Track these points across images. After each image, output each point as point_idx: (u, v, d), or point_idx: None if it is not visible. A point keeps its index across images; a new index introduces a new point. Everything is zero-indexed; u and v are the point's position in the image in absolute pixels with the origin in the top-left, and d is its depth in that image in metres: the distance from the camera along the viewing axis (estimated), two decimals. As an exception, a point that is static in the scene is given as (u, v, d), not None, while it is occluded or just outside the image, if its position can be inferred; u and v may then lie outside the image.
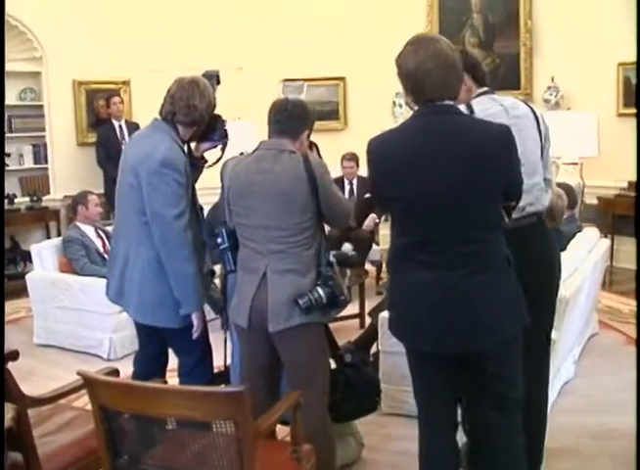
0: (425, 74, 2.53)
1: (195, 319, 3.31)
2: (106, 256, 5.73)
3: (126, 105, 8.42)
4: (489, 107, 2.96)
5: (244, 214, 3.06)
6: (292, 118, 3.08)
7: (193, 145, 3.49)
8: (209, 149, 3.49)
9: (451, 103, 2.60)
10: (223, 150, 3.50)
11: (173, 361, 3.58)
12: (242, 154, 3.37)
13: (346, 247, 6.59)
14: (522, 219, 2.96)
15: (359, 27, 8.60)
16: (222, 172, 3.17)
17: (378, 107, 8.53)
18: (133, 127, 8.03)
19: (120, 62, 8.23)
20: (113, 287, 3.49)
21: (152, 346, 3.57)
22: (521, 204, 2.86)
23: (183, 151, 3.32)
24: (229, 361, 3.70)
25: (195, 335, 3.33)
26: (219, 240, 3.21)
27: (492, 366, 2.68)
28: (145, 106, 8.07)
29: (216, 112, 3.44)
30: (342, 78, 9.02)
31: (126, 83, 8.52)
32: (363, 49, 8.49)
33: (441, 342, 2.63)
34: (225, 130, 3.47)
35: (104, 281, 5.18)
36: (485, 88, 3.08)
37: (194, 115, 3.29)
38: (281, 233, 3.00)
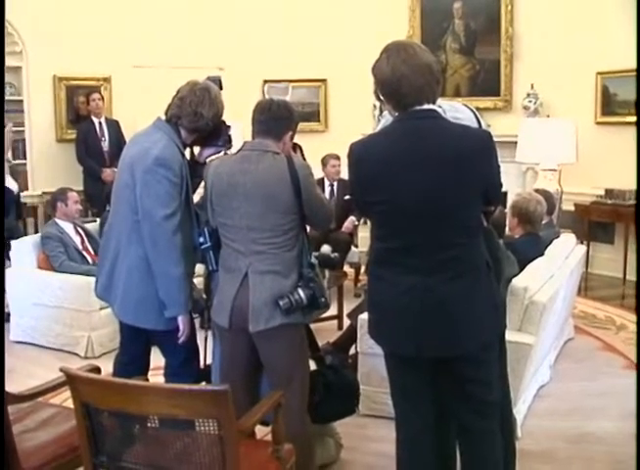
0: (400, 80, 2.53)
1: (181, 323, 3.24)
2: (84, 253, 5.71)
3: (107, 102, 8.37)
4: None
5: (226, 215, 3.05)
6: (275, 119, 3.07)
7: (197, 150, 3.46)
8: (213, 154, 3.44)
9: (431, 107, 2.59)
10: (225, 155, 3.44)
11: (158, 359, 3.53)
12: (225, 154, 3.38)
13: (325, 248, 6.57)
14: None
15: (341, 31, 8.64)
16: (205, 172, 3.17)
17: (358, 109, 8.53)
18: (113, 125, 8.05)
19: (102, 58, 8.19)
20: (101, 283, 3.43)
21: (135, 346, 3.51)
22: None
23: (181, 152, 3.27)
24: (210, 360, 3.68)
25: (181, 339, 3.27)
26: (202, 239, 3.20)
27: (471, 370, 2.69)
28: (126, 103, 8.13)
29: None
30: (323, 81, 9.04)
31: (107, 80, 8.47)
32: (345, 52, 8.50)
33: (420, 346, 2.63)
34: (229, 136, 3.42)
35: (83, 278, 5.25)
36: None
37: (199, 122, 3.25)
38: (263, 234, 3.00)
